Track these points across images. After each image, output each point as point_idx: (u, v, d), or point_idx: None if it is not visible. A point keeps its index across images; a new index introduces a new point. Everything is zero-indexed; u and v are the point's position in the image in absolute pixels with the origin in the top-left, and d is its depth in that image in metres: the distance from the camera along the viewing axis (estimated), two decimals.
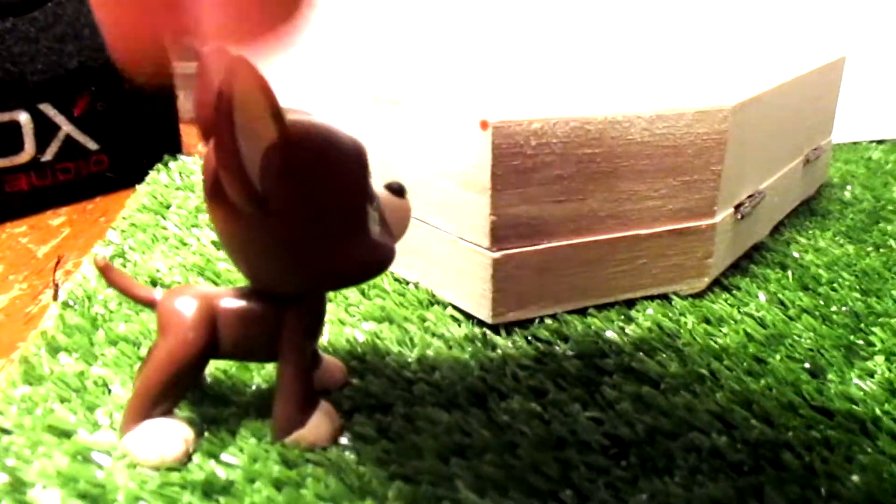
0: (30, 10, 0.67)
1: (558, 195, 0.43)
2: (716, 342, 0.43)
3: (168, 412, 0.33)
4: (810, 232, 0.61)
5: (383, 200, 0.33)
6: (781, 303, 0.48)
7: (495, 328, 0.44)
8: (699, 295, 0.49)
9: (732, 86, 0.50)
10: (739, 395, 0.38)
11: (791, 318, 0.46)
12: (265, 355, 0.34)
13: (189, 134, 0.82)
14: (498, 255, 0.42)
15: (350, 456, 0.33)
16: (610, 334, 0.44)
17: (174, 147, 0.79)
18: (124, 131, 0.73)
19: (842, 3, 0.93)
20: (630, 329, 0.44)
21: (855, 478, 0.32)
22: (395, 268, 0.51)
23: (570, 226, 0.44)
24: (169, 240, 0.57)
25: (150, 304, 0.34)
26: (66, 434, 0.34)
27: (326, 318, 0.44)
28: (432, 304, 0.47)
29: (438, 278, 0.47)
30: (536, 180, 0.42)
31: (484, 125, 0.40)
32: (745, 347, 0.43)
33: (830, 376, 0.40)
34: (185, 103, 0.86)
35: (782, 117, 0.56)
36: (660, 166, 0.45)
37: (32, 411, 0.35)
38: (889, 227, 0.62)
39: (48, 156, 0.68)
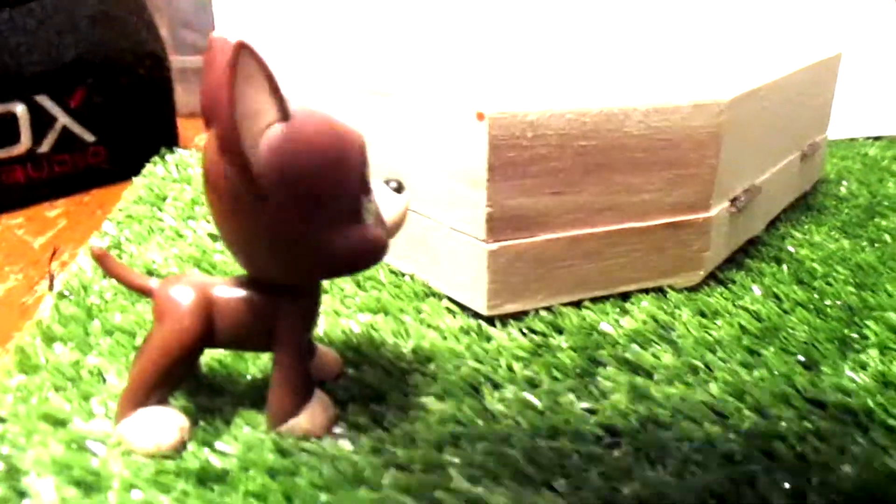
0: (27, 0, 0.67)
1: (554, 187, 0.43)
2: (710, 335, 0.43)
3: (163, 401, 0.33)
4: (806, 227, 0.61)
5: (381, 195, 0.33)
6: (776, 296, 0.48)
7: (491, 320, 0.44)
8: (694, 288, 0.49)
9: (729, 80, 0.50)
10: (733, 387, 0.38)
11: (785, 312, 0.46)
12: (261, 345, 0.34)
13: (186, 127, 0.82)
14: (494, 246, 0.42)
15: (345, 445, 0.33)
16: (605, 326, 0.44)
17: (171, 140, 0.79)
18: (121, 124, 0.73)
19: (839, 0, 0.93)
20: (625, 321, 0.44)
21: (847, 468, 0.32)
22: (392, 260, 0.51)
23: (565, 218, 0.44)
24: (165, 231, 0.57)
25: (146, 293, 0.34)
26: (60, 422, 0.34)
27: (322, 309, 0.45)
28: (428, 296, 0.47)
29: (434, 270, 0.47)
30: (532, 172, 0.42)
31: (480, 117, 0.40)
32: (739, 340, 0.43)
33: (824, 368, 0.40)
34: (183, 97, 0.86)
35: (778, 112, 0.56)
36: (655, 159, 0.45)
37: (27, 400, 0.35)
38: (884, 223, 0.62)
39: (45, 147, 0.68)
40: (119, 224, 0.58)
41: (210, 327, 0.32)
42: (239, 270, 0.33)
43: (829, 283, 0.50)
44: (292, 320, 0.33)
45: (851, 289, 0.49)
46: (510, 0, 0.87)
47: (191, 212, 0.61)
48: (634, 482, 0.31)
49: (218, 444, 0.33)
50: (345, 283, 0.48)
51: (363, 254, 0.31)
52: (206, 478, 0.31)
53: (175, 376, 0.33)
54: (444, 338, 0.42)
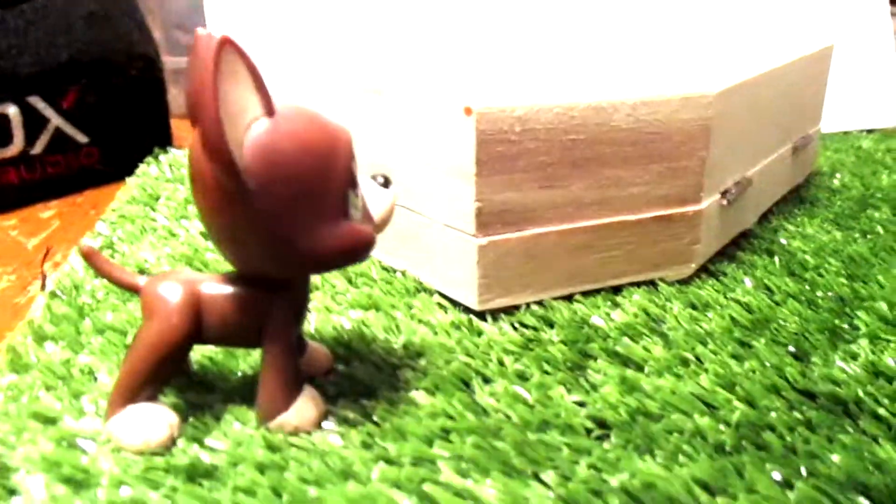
0: (19, 2, 0.67)
1: (543, 181, 0.43)
2: (701, 327, 0.43)
3: (153, 397, 0.33)
4: (798, 219, 0.61)
5: (368, 190, 0.34)
6: (767, 288, 0.49)
7: (482, 315, 0.44)
8: (686, 281, 0.49)
9: (718, 72, 0.50)
10: (723, 378, 0.38)
11: (777, 303, 0.47)
12: (250, 341, 0.34)
13: (180, 128, 0.82)
14: (483, 241, 0.42)
15: (334, 440, 0.33)
16: (596, 320, 0.44)
17: (165, 140, 0.79)
18: (114, 125, 0.73)
19: None
20: (616, 314, 0.44)
21: (836, 457, 0.32)
22: (383, 256, 0.51)
23: (555, 212, 0.44)
24: (157, 231, 0.57)
25: (134, 290, 0.34)
26: (51, 420, 0.34)
27: (313, 305, 0.45)
28: (419, 292, 0.47)
29: (425, 266, 0.47)
30: (521, 167, 0.42)
31: (468, 112, 0.40)
32: (730, 332, 0.43)
33: (814, 359, 0.40)
34: (177, 97, 0.86)
35: (768, 105, 0.56)
36: (644, 152, 0.45)
37: (18, 399, 0.35)
38: (877, 214, 0.62)
39: (38, 149, 0.68)
40: (112, 224, 0.58)
41: (198, 324, 0.32)
42: (230, 268, 0.33)
43: (820, 275, 0.50)
44: (281, 316, 0.33)
45: (843, 280, 0.50)
46: None
47: (184, 211, 0.61)
48: (623, 473, 0.31)
49: (207, 441, 0.33)
50: (336, 279, 0.49)
51: (350, 249, 0.31)
52: (195, 474, 0.31)
53: (164, 373, 0.33)
54: (435, 333, 0.42)
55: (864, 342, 0.42)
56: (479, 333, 0.42)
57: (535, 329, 0.43)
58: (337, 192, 0.31)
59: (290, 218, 0.29)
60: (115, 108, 0.72)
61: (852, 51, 0.93)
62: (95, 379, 0.37)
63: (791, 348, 0.41)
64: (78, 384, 0.37)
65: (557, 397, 0.37)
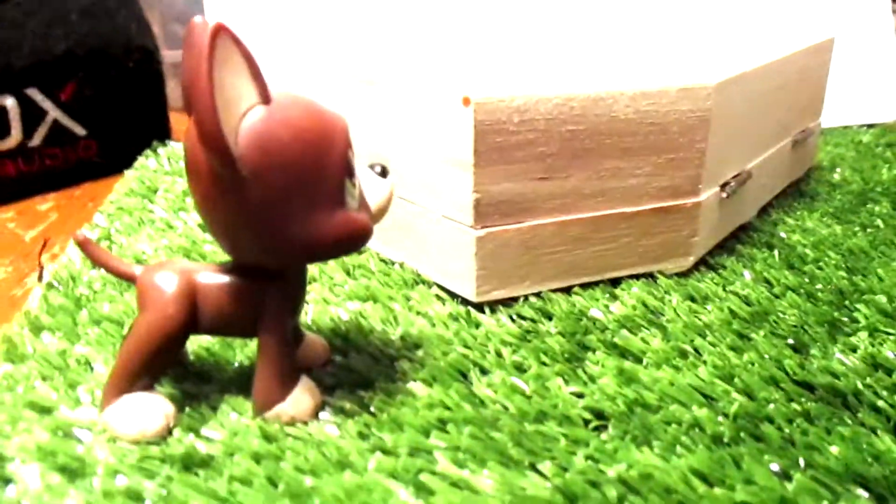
0: None
1: (542, 173, 0.43)
2: (700, 319, 0.43)
3: (148, 387, 0.33)
4: (798, 213, 0.61)
5: (365, 179, 0.33)
6: (767, 281, 0.48)
7: (480, 306, 0.44)
8: (685, 274, 0.49)
9: (717, 64, 0.50)
10: (722, 370, 0.38)
11: (776, 296, 0.46)
12: (246, 331, 0.34)
13: (179, 121, 0.81)
14: (482, 232, 0.42)
15: (330, 430, 0.33)
16: (594, 312, 0.44)
17: (163, 133, 0.79)
18: (112, 117, 0.73)
19: None
20: (615, 307, 0.44)
21: (834, 449, 0.32)
22: (381, 248, 0.51)
23: (554, 203, 0.44)
24: (155, 223, 0.57)
25: (129, 279, 0.34)
26: (46, 410, 0.34)
27: (312, 297, 0.45)
28: (417, 284, 0.47)
29: (423, 257, 0.47)
30: (520, 158, 0.42)
31: (466, 102, 0.40)
32: (729, 324, 0.43)
33: (813, 352, 0.40)
34: (176, 90, 0.86)
35: (768, 97, 0.56)
36: (644, 144, 0.45)
37: (14, 388, 0.35)
38: (877, 208, 0.62)
39: (36, 141, 0.68)
40: (110, 216, 0.58)
41: (194, 314, 0.32)
42: (227, 259, 0.33)
43: (820, 268, 0.50)
44: (277, 306, 0.33)
45: (843, 273, 0.49)
46: None
47: (182, 204, 0.61)
48: (621, 464, 0.31)
49: (204, 430, 0.32)
50: (334, 271, 0.48)
51: (346, 238, 0.31)
52: (191, 463, 0.31)
53: (160, 363, 0.33)
54: (433, 325, 0.42)
55: (863, 335, 0.42)
56: (477, 325, 0.42)
57: (533, 321, 0.43)
58: (333, 181, 0.30)
59: (285, 206, 0.29)
60: (113, 101, 0.72)
61: (853, 45, 0.92)
62: (92, 369, 0.37)
63: (790, 341, 0.41)
64: (74, 374, 0.37)
65: (555, 388, 0.36)
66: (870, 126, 0.93)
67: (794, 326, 0.43)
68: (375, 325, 0.42)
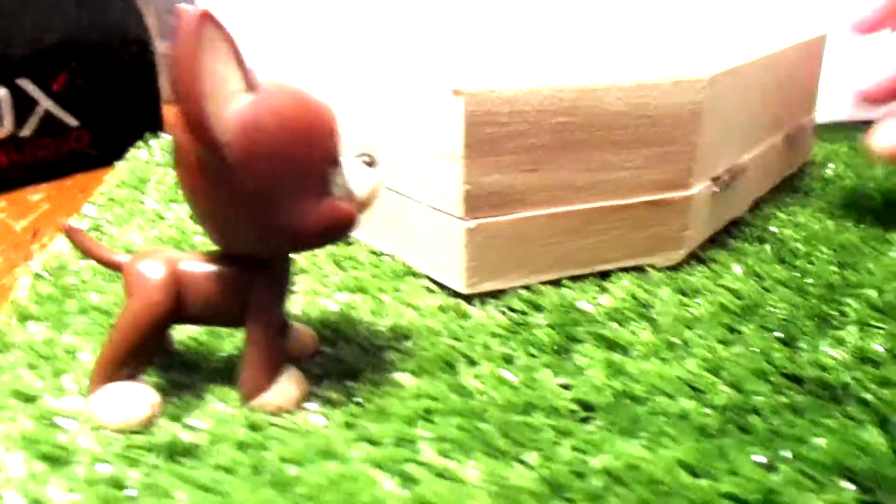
0: None
1: (532, 164, 0.42)
2: (689, 312, 0.43)
3: (134, 376, 0.33)
4: (790, 208, 0.61)
5: (352, 169, 0.33)
6: (757, 275, 0.48)
7: (469, 298, 0.44)
8: (675, 267, 0.49)
9: (710, 57, 0.50)
10: (710, 363, 0.38)
11: (766, 290, 0.46)
12: (232, 320, 0.34)
13: (171, 113, 0.81)
14: (471, 224, 0.42)
15: (316, 420, 0.33)
16: (584, 304, 0.43)
17: (156, 125, 0.78)
18: (105, 108, 0.72)
19: None
20: (604, 299, 0.44)
21: (821, 441, 0.32)
22: (371, 240, 0.51)
23: (544, 195, 0.43)
24: (146, 214, 0.56)
25: (116, 268, 0.34)
26: (31, 399, 0.34)
27: (301, 288, 0.45)
28: (407, 275, 0.47)
29: (412, 249, 0.47)
30: (510, 149, 0.42)
31: (456, 93, 0.40)
32: (718, 317, 0.43)
33: (802, 345, 0.40)
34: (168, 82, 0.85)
35: (761, 91, 0.56)
36: (635, 136, 0.44)
37: None
38: (869, 204, 0.62)
39: (27, 132, 0.67)
40: (100, 206, 0.58)
41: (179, 301, 0.32)
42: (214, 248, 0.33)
43: (811, 263, 0.50)
44: (264, 295, 0.33)
45: (834, 268, 0.49)
46: None
47: (173, 195, 0.61)
48: (606, 455, 0.31)
49: (188, 419, 0.32)
50: (324, 262, 0.48)
51: (331, 226, 0.31)
52: (175, 452, 0.30)
53: (145, 351, 0.33)
54: (423, 316, 0.42)
55: (852, 328, 0.42)
56: (466, 317, 0.42)
57: (522, 313, 0.43)
58: (319, 169, 0.30)
59: (272, 194, 0.29)
60: (105, 92, 0.72)
61: (847, 41, 0.92)
62: (78, 359, 0.37)
63: (779, 334, 0.41)
64: (61, 363, 0.36)
65: (543, 380, 0.36)
66: (865, 122, 0.93)
67: (784, 320, 0.43)
68: (365, 316, 0.42)
